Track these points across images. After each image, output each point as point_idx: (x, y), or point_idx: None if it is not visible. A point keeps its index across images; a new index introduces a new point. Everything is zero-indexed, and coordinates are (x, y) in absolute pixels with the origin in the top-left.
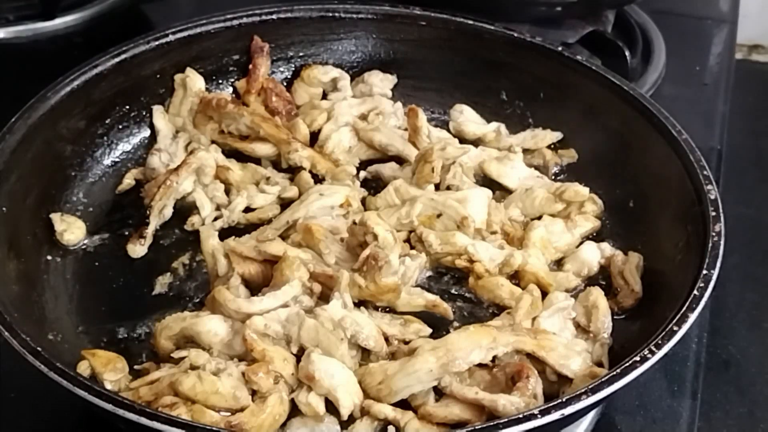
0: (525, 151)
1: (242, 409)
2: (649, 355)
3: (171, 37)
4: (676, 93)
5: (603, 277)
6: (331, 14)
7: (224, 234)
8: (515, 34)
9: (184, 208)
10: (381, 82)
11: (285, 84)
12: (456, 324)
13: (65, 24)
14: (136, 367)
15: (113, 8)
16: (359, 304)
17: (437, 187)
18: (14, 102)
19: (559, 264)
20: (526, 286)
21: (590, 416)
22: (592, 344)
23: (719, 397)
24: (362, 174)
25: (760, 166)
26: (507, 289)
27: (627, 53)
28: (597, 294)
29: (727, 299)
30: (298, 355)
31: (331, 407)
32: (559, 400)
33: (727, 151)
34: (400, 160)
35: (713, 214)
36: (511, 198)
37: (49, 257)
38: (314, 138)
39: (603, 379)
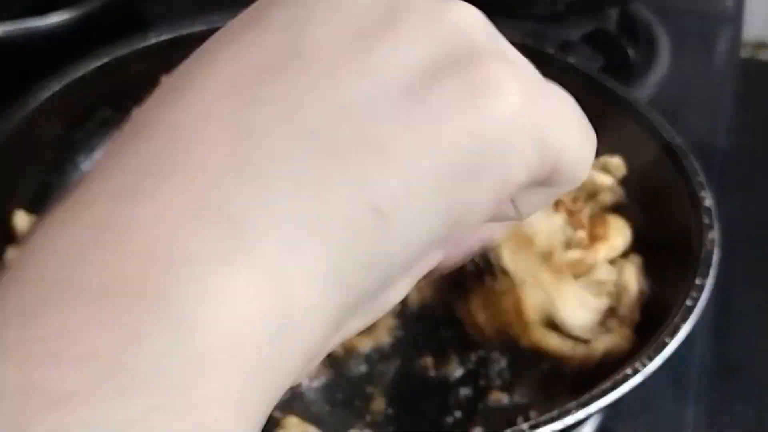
0: None
1: None
2: (641, 368)
3: (156, 39)
4: (680, 92)
5: None
6: None
7: None
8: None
9: None
10: None
11: None
12: None
13: (58, 21)
14: None
15: (106, 5)
16: None
17: None
18: (7, 100)
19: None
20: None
21: (591, 422)
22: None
23: (725, 402)
24: None
25: (765, 166)
26: None
27: (630, 51)
28: (630, 273)
29: (732, 303)
30: None
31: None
32: (549, 415)
33: (732, 151)
34: None
35: (707, 222)
36: None
37: None
38: None
39: (593, 393)
